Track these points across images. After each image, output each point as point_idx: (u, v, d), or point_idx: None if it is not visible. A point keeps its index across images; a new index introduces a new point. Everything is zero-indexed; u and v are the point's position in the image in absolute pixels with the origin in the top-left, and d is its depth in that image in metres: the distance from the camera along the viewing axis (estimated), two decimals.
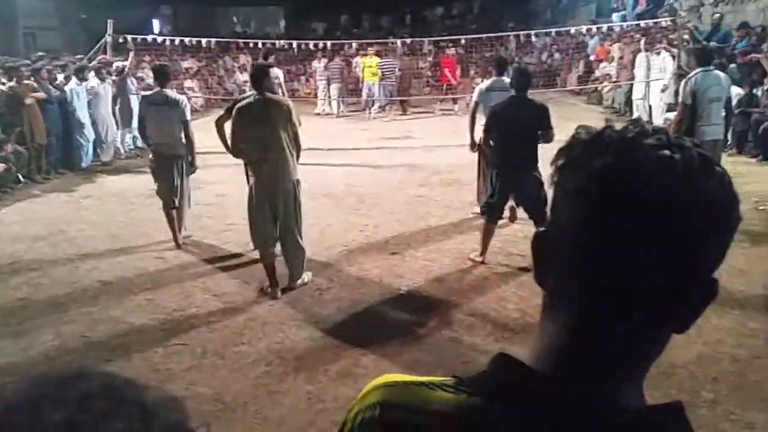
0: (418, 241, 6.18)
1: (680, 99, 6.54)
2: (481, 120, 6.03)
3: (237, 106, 4.89)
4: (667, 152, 0.59)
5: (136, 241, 6.34)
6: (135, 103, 11.39)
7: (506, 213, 6.44)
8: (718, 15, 13.15)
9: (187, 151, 6.05)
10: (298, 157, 4.93)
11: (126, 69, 11.24)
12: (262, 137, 4.73)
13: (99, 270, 5.60)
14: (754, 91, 9.80)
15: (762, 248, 5.51)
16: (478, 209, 6.59)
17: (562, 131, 9.32)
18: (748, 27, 11.96)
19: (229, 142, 5.19)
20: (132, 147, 11.48)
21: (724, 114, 6.52)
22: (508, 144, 5.26)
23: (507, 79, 6.45)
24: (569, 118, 14.15)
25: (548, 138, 5.14)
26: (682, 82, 6.62)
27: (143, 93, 8.38)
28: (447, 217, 6.87)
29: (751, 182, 7.31)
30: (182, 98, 6.21)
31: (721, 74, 6.61)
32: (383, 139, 12.18)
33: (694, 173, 0.58)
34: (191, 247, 6.16)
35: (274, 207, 4.84)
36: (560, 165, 0.64)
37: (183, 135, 6.01)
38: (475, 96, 6.77)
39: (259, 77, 4.85)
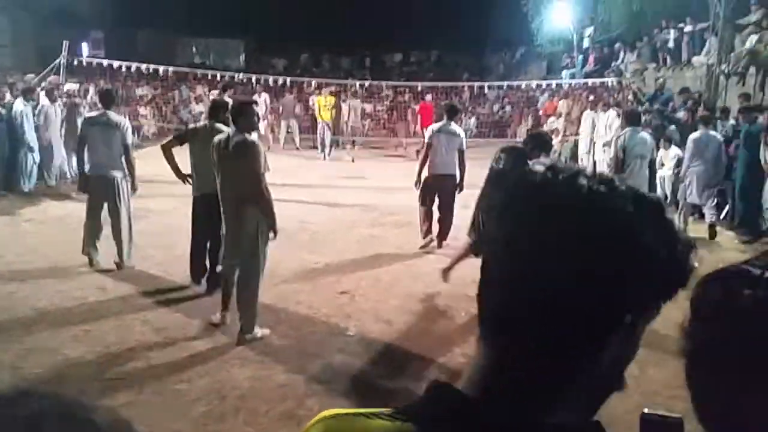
0: (368, 281, 6.19)
1: (612, 154, 7.39)
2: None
3: (216, 138, 4.80)
4: (583, 181, 0.63)
5: (77, 269, 6.13)
6: None
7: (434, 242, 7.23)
8: (661, 80, 13.95)
9: (128, 173, 6.08)
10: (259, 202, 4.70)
11: (75, 92, 11.05)
12: (231, 175, 4.64)
13: (36, 298, 5.37)
14: None
15: None
16: (423, 240, 7.24)
17: None
18: (688, 92, 12.71)
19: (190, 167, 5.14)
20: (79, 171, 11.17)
21: (648, 172, 7.13)
22: None
23: (454, 125, 7.35)
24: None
25: None
26: (614, 139, 7.52)
27: (86, 114, 8.30)
28: (398, 258, 6.92)
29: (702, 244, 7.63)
30: (124, 121, 6.29)
31: (647, 135, 7.37)
32: (338, 178, 12.26)
33: (611, 204, 0.61)
34: (133, 278, 5.99)
35: (237, 244, 4.71)
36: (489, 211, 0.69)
37: (123, 158, 6.01)
38: (426, 137, 7.40)
39: (236, 113, 4.76)
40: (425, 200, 7.26)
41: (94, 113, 6.57)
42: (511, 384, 0.64)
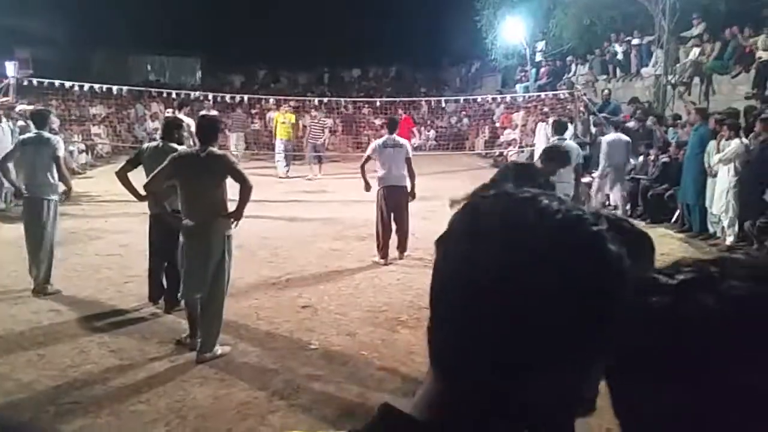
0: (330, 294, 6.18)
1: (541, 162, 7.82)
2: (373, 167, 7.42)
3: (178, 154, 4.78)
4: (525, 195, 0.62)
5: (29, 292, 5.94)
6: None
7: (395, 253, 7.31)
8: (607, 91, 14.40)
9: (62, 183, 6.11)
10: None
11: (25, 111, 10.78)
12: (198, 190, 4.59)
13: None
14: (645, 160, 10.68)
15: None
16: (379, 258, 7.25)
17: (471, 190, 9.89)
18: (637, 101, 13.14)
19: (145, 184, 4.88)
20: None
21: (573, 177, 7.63)
22: None
23: (397, 137, 7.55)
24: (478, 178, 14.80)
25: None
26: (542, 149, 7.78)
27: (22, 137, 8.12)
28: (360, 271, 6.93)
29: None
30: (55, 138, 6.30)
31: (573, 144, 8.10)
32: (298, 192, 12.23)
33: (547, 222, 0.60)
34: (89, 300, 5.85)
35: (201, 276, 4.62)
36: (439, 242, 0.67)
37: (55, 173, 5.99)
38: (369, 150, 7.59)
39: (204, 129, 4.79)
40: (382, 215, 7.36)
41: (28, 134, 6.48)
42: (461, 407, 0.63)
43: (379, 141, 7.53)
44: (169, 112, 13.17)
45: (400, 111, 16.84)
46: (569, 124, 10.19)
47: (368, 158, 7.49)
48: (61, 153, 6.12)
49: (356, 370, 4.54)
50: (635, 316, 0.61)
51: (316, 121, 15.38)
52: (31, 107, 11.01)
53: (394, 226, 7.38)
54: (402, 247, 7.43)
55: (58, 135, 9.58)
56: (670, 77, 13.14)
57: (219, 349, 4.65)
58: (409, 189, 7.34)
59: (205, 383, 4.26)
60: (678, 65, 12.95)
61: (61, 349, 4.74)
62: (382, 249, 7.32)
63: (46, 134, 6.15)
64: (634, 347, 0.62)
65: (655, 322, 0.60)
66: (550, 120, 12.83)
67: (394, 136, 7.48)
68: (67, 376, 4.30)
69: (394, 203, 7.30)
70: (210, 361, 4.55)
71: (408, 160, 7.30)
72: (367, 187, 7.59)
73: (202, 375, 4.38)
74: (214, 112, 14.61)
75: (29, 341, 4.85)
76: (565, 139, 7.87)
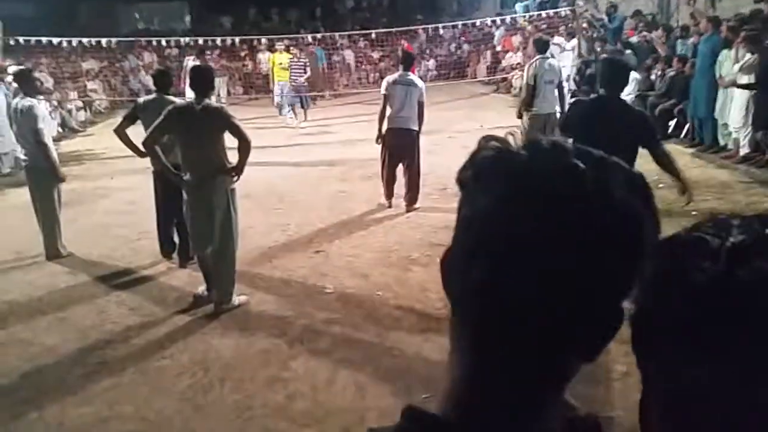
0: (341, 237, 6.19)
1: (524, 81, 7.93)
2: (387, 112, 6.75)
3: (174, 107, 4.66)
4: (573, 162, 0.58)
5: (43, 257, 5.98)
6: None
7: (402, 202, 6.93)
8: (610, 4, 13.89)
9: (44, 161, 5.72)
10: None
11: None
12: (198, 143, 4.50)
13: (5, 290, 5.24)
14: (650, 75, 10.40)
15: (665, 227, 5.88)
16: (384, 200, 6.98)
17: (475, 119, 9.67)
18: (640, 14, 12.70)
19: (143, 141, 4.77)
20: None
21: (557, 94, 7.72)
22: None
23: (412, 75, 6.94)
24: (481, 107, 14.59)
25: (658, 155, 4.09)
26: (526, 66, 8.12)
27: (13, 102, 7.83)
28: (369, 212, 6.91)
29: (651, 161, 7.76)
30: (36, 106, 5.77)
31: (555, 62, 7.98)
32: (300, 135, 12.08)
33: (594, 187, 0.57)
34: (103, 259, 5.89)
35: (206, 233, 4.61)
36: (465, 184, 0.63)
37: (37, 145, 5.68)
38: (383, 89, 6.85)
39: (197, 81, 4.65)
40: (387, 159, 6.84)
41: (17, 99, 6.04)
42: (492, 402, 0.59)
43: (391, 77, 6.87)
44: (190, 61, 12.69)
45: (403, 41, 16.13)
46: (551, 42, 9.65)
47: (385, 98, 6.75)
48: (41, 124, 5.67)
49: (372, 311, 4.60)
50: (681, 281, 0.57)
51: (296, 60, 13.54)
52: (20, 67, 10.83)
53: (401, 169, 6.93)
54: (412, 199, 6.89)
55: (42, 97, 9.39)
56: None
57: (236, 300, 4.71)
58: (417, 133, 6.85)
59: (226, 334, 4.33)
60: None
61: (80, 311, 4.81)
62: (387, 191, 6.95)
63: (27, 102, 5.75)
64: (678, 317, 0.57)
65: (707, 291, 0.55)
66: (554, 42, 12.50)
67: (409, 73, 6.83)
68: (90, 337, 4.38)
69: (402, 148, 6.77)
70: (228, 312, 4.62)
71: (420, 104, 6.72)
72: (379, 138, 6.86)
73: (221, 326, 4.45)
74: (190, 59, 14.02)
75: (49, 305, 4.92)
76: (548, 58, 7.71)
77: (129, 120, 5.41)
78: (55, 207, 5.92)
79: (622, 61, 4.90)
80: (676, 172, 4.07)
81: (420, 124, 6.83)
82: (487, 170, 0.61)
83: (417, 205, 6.89)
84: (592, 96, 4.17)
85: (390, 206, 6.97)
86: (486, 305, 0.59)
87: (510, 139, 0.62)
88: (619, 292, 0.60)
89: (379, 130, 6.83)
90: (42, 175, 5.81)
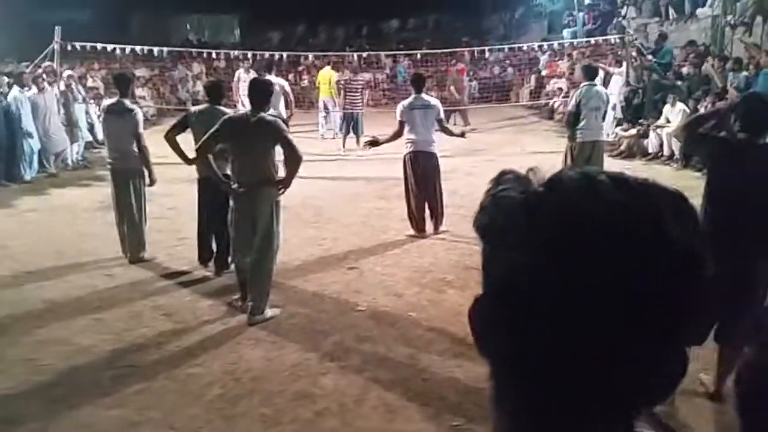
0: (376, 255, 6.16)
1: (569, 108, 7.74)
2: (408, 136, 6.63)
3: (229, 117, 4.75)
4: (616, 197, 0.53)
5: (84, 257, 6.12)
6: (81, 112, 11.12)
7: (429, 226, 6.76)
8: (660, 34, 13.67)
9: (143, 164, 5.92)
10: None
11: (68, 77, 10.94)
12: (250, 155, 4.57)
13: (45, 288, 5.36)
14: (699, 107, 10.16)
15: None
16: (414, 232, 6.71)
17: (515, 144, 9.54)
18: (694, 45, 12.46)
19: (196, 148, 4.84)
20: (80, 159, 11.12)
21: (603, 122, 7.71)
22: (731, 213, 3.27)
23: (427, 96, 6.87)
24: (522, 131, 14.45)
25: None
26: (572, 93, 8.10)
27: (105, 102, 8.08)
28: (405, 231, 6.85)
29: (699, 194, 7.57)
30: (134, 108, 6.07)
31: (602, 89, 7.91)
32: (339, 149, 12.11)
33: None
34: (141, 264, 5.97)
35: (250, 241, 4.66)
36: (487, 235, 0.58)
37: (136, 147, 5.86)
38: (398, 115, 6.70)
39: (255, 92, 4.72)
40: (411, 187, 6.64)
41: (111, 101, 6.31)
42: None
43: (406, 102, 6.73)
44: (248, 74, 12.68)
45: (458, 63, 15.73)
46: (600, 70, 9.52)
47: (401, 123, 6.63)
48: (141, 129, 5.93)
49: (405, 332, 4.53)
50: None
51: (351, 82, 12.48)
52: (73, 72, 11.19)
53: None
54: (436, 221, 6.73)
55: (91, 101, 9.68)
56: (729, 17, 12.37)
57: (269, 312, 4.71)
58: (458, 134, 7.24)
59: (258, 345, 4.32)
60: (738, 3, 12.15)
61: (116, 313, 4.87)
62: (417, 222, 6.69)
63: (128, 105, 6.00)
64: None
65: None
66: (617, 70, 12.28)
67: (422, 95, 6.73)
68: (123, 339, 4.42)
69: (423, 171, 6.58)
70: (261, 323, 4.62)
71: (440, 121, 6.68)
72: (374, 144, 6.97)
73: (254, 337, 4.44)
74: (248, 74, 14.08)
75: (86, 306, 5.00)
76: (596, 85, 7.56)
77: (179, 127, 5.51)
78: (145, 210, 6.07)
79: (766, 99, 3.88)
80: None
81: (449, 133, 7.11)
82: (516, 220, 0.55)
83: (443, 228, 6.74)
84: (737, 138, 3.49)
85: (423, 237, 6.68)
86: (548, 368, 0.54)
87: (531, 176, 0.57)
88: (690, 333, 0.56)
89: (385, 142, 6.94)
90: (138, 178, 5.94)
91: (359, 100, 12.16)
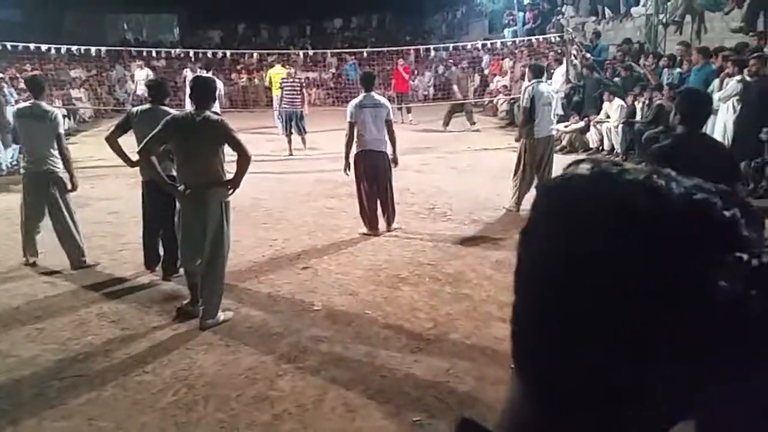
0: (329, 254, 6.11)
1: (521, 104, 7.78)
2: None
3: (173, 117, 4.57)
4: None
5: (22, 265, 5.83)
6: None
7: (382, 224, 6.74)
8: (594, 32, 14.10)
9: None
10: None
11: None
12: (195, 155, 4.43)
13: None
14: (636, 103, 10.54)
15: None
16: (366, 230, 6.70)
17: (463, 141, 9.68)
18: (629, 42, 12.90)
19: (138, 150, 4.63)
20: (15, 163, 10.60)
21: (552, 116, 7.84)
22: None
23: (377, 95, 6.67)
24: (470, 129, 14.66)
25: None
26: (523, 89, 8.04)
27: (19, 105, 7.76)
28: (357, 229, 6.83)
29: None
30: (55, 110, 5.83)
31: (549, 86, 8.19)
32: (287, 150, 11.98)
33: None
34: (84, 270, 5.74)
35: (199, 244, 4.53)
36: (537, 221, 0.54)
37: (57, 151, 5.63)
38: (348, 116, 6.53)
39: (199, 90, 4.58)
40: (362, 186, 6.58)
41: (25, 104, 6.01)
42: (550, 425, 0.52)
43: (356, 101, 6.55)
44: (189, 72, 12.36)
45: (401, 60, 16.08)
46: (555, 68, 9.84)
47: (351, 125, 6.46)
48: (62, 130, 5.75)
49: (361, 330, 4.51)
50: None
51: (289, 80, 12.02)
52: (34, 73, 10.66)
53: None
54: (388, 218, 6.72)
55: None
56: (661, 16, 12.87)
57: (222, 315, 4.59)
58: (390, 155, 6.61)
59: (211, 350, 4.21)
60: (669, 3, 12.65)
61: (59, 322, 4.66)
62: (369, 220, 6.64)
63: (47, 107, 5.75)
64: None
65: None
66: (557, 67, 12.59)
67: (373, 93, 6.56)
68: (69, 349, 4.24)
69: (373, 170, 6.51)
70: (213, 327, 4.50)
71: (389, 123, 6.48)
72: (348, 168, 6.56)
73: (206, 342, 4.33)
74: (188, 73, 13.81)
75: (27, 315, 4.76)
76: (543, 82, 7.68)
77: (121, 129, 5.31)
78: (73, 214, 5.80)
79: (702, 93, 4.27)
80: None
81: (393, 142, 6.62)
82: (586, 202, 0.50)
83: (396, 225, 6.76)
84: (675, 133, 3.64)
85: (376, 234, 6.65)
86: (607, 391, 0.49)
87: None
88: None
89: (347, 157, 6.52)
90: (62, 182, 5.68)
91: (298, 99, 11.79)
